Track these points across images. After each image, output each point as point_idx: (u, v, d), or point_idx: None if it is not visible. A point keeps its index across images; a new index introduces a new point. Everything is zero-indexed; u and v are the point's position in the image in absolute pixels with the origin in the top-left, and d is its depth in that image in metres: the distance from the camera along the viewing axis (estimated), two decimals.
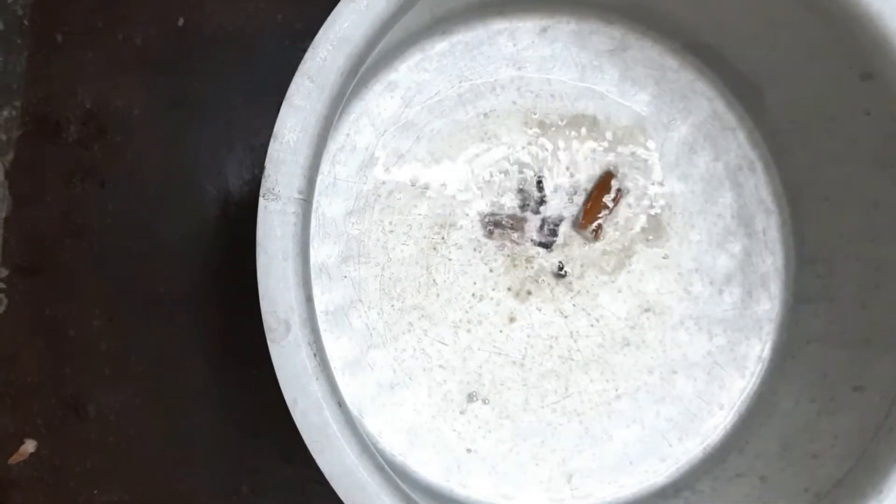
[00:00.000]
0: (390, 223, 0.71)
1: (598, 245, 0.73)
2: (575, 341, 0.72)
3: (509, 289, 0.72)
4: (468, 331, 0.71)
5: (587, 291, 0.72)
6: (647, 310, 0.72)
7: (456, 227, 0.71)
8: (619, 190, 0.73)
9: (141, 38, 0.78)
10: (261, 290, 0.54)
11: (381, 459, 0.57)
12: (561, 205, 0.72)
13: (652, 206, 0.73)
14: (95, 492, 0.77)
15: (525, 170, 0.72)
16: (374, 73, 0.71)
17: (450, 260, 0.71)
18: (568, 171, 0.73)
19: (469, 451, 0.70)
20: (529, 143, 0.72)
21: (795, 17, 0.63)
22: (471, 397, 0.71)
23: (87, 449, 0.76)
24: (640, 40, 0.73)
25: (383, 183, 0.71)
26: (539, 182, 0.72)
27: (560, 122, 0.73)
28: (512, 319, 0.72)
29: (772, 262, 0.74)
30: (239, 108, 0.78)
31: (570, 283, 0.72)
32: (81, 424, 0.76)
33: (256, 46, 0.78)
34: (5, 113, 0.77)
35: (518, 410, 0.71)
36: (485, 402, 0.71)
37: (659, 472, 0.72)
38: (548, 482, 0.71)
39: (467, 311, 0.71)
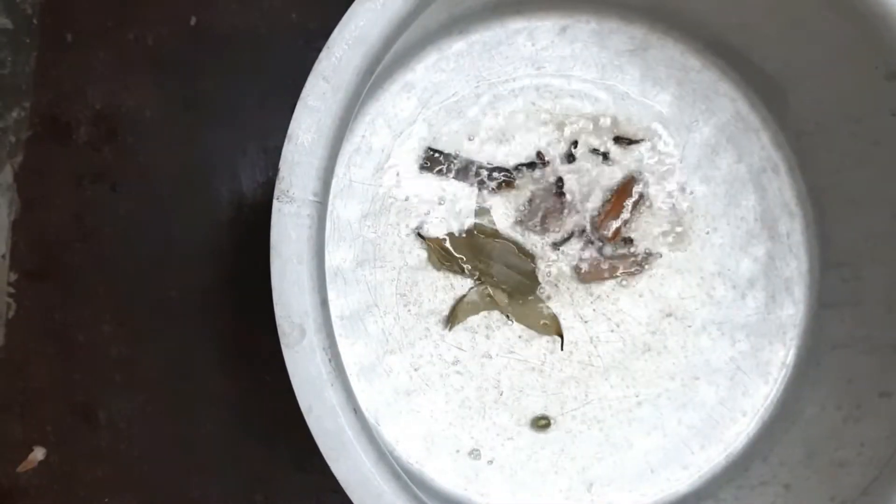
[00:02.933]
0: (407, 226, 0.70)
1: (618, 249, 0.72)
2: (595, 347, 0.71)
3: None
4: (486, 336, 0.70)
5: (607, 296, 0.71)
6: (668, 314, 0.71)
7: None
8: (640, 195, 0.72)
9: (152, 37, 0.77)
10: (275, 294, 0.54)
11: (397, 467, 0.56)
12: (580, 206, 0.72)
13: (673, 209, 0.72)
14: (106, 500, 0.76)
15: (544, 170, 0.71)
16: (391, 73, 0.70)
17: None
18: (587, 172, 0.72)
19: (490, 462, 0.70)
20: (549, 145, 0.71)
21: (820, 17, 0.63)
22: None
23: (97, 457, 0.76)
24: (662, 40, 0.72)
25: (399, 185, 0.70)
26: (558, 181, 0.71)
27: (580, 123, 0.72)
28: None
29: (796, 265, 0.73)
30: (252, 109, 0.77)
31: (590, 287, 0.71)
32: (91, 432, 0.76)
33: (270, 46, 0.77)
34: (14, 114, 0.77)
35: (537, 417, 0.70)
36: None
37: (681, 480, 0.71)
38: (567, 491, 0.70)
39: (486, 316, 0.70)
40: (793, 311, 0.72)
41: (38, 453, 0.75)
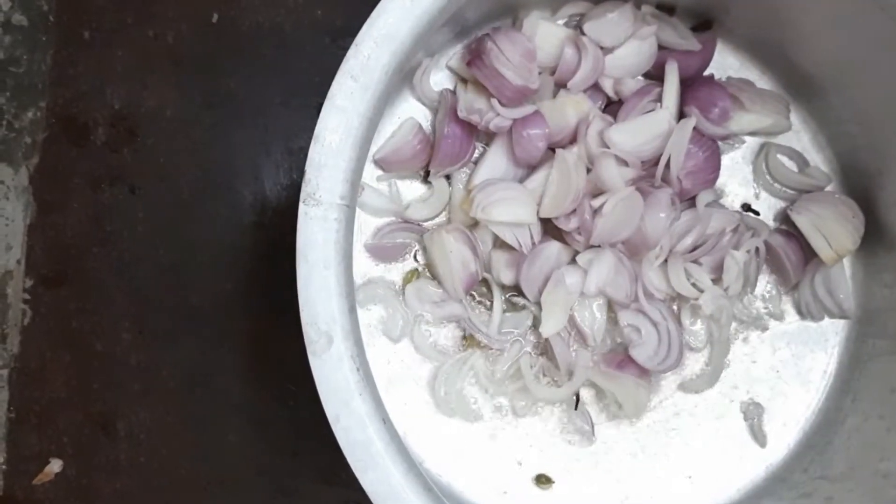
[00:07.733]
0: None
1: None
2: None
3: None
4: None
5: None
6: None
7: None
8: None
9: (173, 35, 0.77)
10: (301, 300, 0.53)
11: (428, 480, 0.55)
12: None
13: None
14: None
15: None
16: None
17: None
18: None
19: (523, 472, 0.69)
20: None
21: (862, 13, 0.61)
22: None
23: (116, 469, 0.75)
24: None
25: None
26: None
27: None
28: None
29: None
30: (277, 109, 0.76)
31: None
32: (110, 443, 0.75)
33: (295, 44, 0.77)
34: (30, 114, 0.76)
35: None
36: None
37: (719, 492, 0.70)
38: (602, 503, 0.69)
39: None
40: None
41: (55, 465, 0.75)
